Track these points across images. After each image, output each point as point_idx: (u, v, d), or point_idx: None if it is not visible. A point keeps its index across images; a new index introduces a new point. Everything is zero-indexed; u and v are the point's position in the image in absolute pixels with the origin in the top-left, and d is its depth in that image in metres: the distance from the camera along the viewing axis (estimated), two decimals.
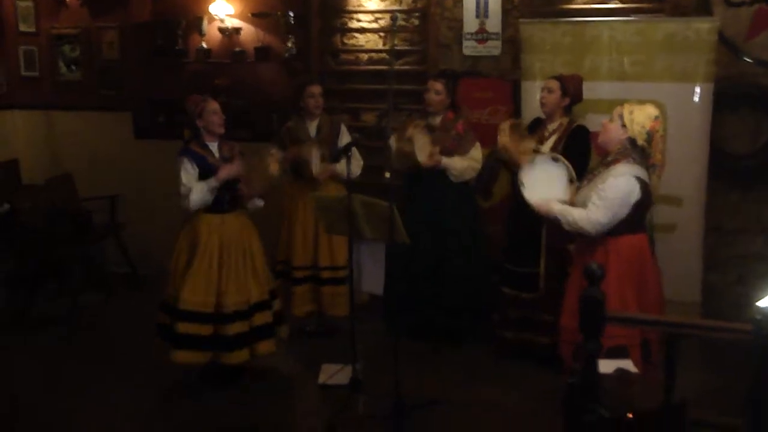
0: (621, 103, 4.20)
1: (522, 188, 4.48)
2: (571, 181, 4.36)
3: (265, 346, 4.94)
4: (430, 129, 5.33)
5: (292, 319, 5.54)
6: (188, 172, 4.73)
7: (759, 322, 2.51)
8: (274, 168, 5.02)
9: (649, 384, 3.54)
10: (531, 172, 4.47)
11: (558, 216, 4.20)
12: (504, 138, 4.83)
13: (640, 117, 4.03)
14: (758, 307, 2.60)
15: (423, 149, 5.23)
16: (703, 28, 5.11)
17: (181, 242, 4.86)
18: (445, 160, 5.27)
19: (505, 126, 4.87)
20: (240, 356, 4.83)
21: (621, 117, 4.07)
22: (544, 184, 4.42)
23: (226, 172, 4.75)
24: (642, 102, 4.16)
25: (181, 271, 4.80)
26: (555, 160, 4.45)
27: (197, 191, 4.70)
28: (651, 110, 4.07)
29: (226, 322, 4.76)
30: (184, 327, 4.72)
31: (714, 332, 2.76)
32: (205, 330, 4.75)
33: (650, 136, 4.02)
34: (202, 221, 4.81)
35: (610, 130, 4.11)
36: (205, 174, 4.76)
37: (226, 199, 4.84)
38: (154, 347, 4.99)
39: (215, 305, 4.76)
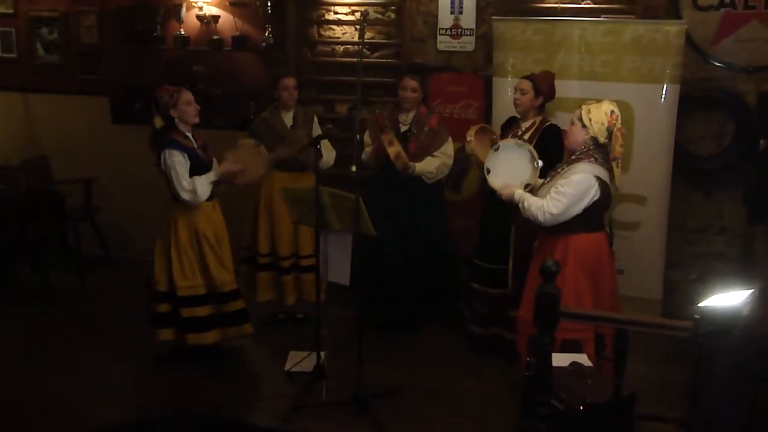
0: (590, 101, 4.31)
1: (487, 175, 4.62)
2: (534, 163, 4.52)
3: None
4: (403, 137, 5.38)
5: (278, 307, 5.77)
6: (183, 166, 4.78)
7: (697, 321, 2.64)
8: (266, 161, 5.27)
9: (602, 377, 3.66)
10: (496, 159, 4.62)
11: (516, 200, 4.38)
12: (470, 144, 4.92)
13: (598, 115, 4.16)
14: (698, 306, 2.73)
15: (397, 158, 5.29)
16: (671, 30, 5.20)
17: (180, 232, 4.89)
18: (419, 167, 5.34)
19: (471, 131, 4.94)
20: (246, 329, 5.12)
21: (580, 119, 4.20)
22: (509, 169, 4.58)
23: (227, 168, 4.91)
24: (599, 101, 4.27)
25: (190, 262, 4.90)
26: (519, 146, 4.61)
27: (202, 187, 4.80)
28: (607, 106, 4.20)
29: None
30: (226, 307, 5.02)
31: (658, 329, 2.87)
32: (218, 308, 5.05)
33: (610, 132, 4.16)
34: (199, 211, 4.91)
35: (573, 133, 4.26)
36: (194, 164, 4.82)
37: (219, 187, 5.01)
38: (125, 326, 5.17)
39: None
